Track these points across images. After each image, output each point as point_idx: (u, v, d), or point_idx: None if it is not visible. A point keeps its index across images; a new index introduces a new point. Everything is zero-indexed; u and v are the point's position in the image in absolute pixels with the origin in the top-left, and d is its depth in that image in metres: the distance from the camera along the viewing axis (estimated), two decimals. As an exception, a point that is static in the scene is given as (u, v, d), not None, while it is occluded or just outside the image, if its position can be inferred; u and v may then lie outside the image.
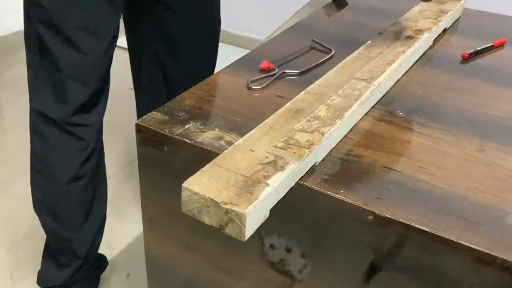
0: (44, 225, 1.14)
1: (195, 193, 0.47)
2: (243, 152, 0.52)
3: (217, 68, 0.82)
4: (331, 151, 0.58)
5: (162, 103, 0.67)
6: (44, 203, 1.11)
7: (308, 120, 0.58)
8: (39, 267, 1.33)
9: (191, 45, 1.08)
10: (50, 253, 1.17)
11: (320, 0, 1.18)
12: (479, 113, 0.69)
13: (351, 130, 0.63)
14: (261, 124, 0.57)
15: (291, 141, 0.54)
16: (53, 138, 1.01)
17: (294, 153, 0.52)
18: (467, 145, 0.61)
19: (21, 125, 1.83)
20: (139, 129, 0.62)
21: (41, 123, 1.01)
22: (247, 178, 0.48)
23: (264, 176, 0.49)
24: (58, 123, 0.98)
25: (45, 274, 1.17)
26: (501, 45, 0.90)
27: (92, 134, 1.02)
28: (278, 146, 0.53)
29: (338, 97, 0.62)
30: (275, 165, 0.50)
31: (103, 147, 1.10)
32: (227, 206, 0.45)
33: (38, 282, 1.18)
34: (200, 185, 0.47)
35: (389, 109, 0.68)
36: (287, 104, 0.61)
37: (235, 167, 0.50)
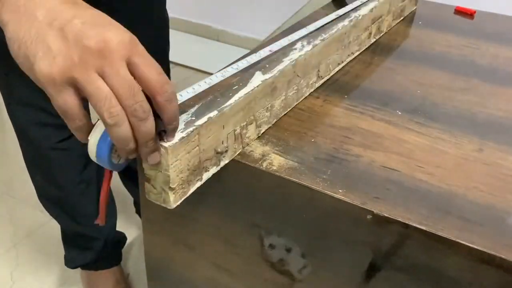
0: (55, 219, 1.16)
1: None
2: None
3: (217, 68, 0.82)
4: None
5: None
6: (51, 201, 1.12)
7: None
8: (39, 267, 1.34)
9: None
10: (69, 239, 1.19)
11: (320, 0, 1.18)
12: (478, 113, 0.69)
13: (349, 129, 0.63)
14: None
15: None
16: (44, 155, 1.01)
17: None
18: (466, 145, 0.61)
19: (21, 125, 1.83)
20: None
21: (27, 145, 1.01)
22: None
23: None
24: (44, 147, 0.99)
25: (69, 257, 1.22)
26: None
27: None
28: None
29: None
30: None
31: None
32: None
33: (66, 264, 1.23)
34: None
35: (388, 108, 0.68)
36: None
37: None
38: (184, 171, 0.49)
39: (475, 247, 0.46)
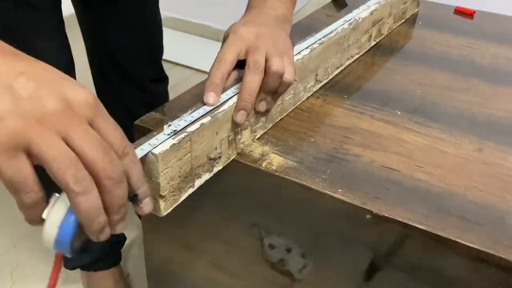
0: None
1: None
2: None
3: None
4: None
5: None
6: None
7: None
8: (39, 267, 1.33)
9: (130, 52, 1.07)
10: None
11: (320, 0, 1.18)
12: (478, 113, 0.69)
13: (348, 129, 0.63)
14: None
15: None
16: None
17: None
18: (466, 145, 0.61)
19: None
20: (137, 129, 0.62)
21: None
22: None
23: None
24: None
25: (68, 258, 1.21)
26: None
27: None
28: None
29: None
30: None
31: None
32: None
33: (64, 265, 1.23)
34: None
35: (387, 108, 0.68)
36: None
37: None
38: (175, 179, 0.48)
39: (475, 246, 0.46)
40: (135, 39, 1.05)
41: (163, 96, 1.19)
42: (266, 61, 0.56)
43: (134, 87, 1.11)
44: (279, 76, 0.56)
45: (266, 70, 0.55)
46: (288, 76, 0.57)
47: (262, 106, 0.57)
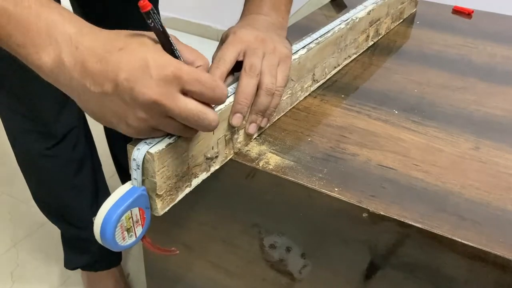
0: (53, 223, 1.17)
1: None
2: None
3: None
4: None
5: None
6: (46, 206, 1.13)
7: None
8: (39, 267, 1.34)
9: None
10: (68, 242, 1.20)
11: (319, 1, 1.18)
12: (474, 111, 0.69)
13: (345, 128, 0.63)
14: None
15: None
16: (34, 162, 1.02)
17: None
18: (462, 143, 0.62)
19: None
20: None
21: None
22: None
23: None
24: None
25: (68, 258, 1.23)
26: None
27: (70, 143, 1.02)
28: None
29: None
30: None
31: (95, 150, 1.11)
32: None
33: (65, 265, 1.24)
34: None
35: (384, 107, 0.68)
36: None
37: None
38: (172, 178, 0.48)
39: (471, 244, 0.47)
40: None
41: None
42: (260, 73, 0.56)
43: None
44: (271, 94, 0.57)
45: (258, 85, 0.56)
46: (278, 84, 0.58)
47: (252, 129, 0.58)
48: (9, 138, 1.02)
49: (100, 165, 1.15)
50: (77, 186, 1.07)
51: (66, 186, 1.06)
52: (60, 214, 1.12)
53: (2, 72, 0.87)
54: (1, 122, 1.00)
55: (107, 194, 1.18)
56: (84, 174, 1.07)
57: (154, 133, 0.45)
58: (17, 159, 1.05)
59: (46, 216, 1.15)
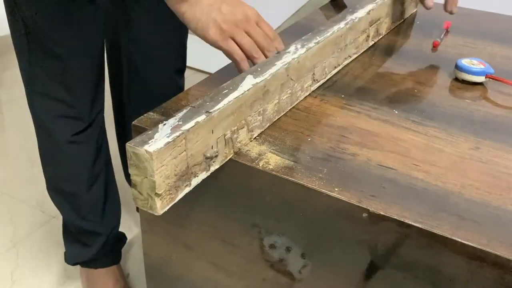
0: (61, 212, 1.18)
1: None
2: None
3: (215, 68, 0.83)
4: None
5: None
6: (60, 194, 1.14)
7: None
8: (39, 267, 1.34)
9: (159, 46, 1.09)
10: (71, 235, 1.21)
11: (318, 1, 1.18)
12: (474, 111, 0.69)
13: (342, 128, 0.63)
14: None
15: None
16: (60, 148, 1.04)
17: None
18: (462, 143, 0.62)
19: (21, 125, 1.84)
20: (136, 129, 0.62)
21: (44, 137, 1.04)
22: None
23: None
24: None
25: (69, 252, 1.24)
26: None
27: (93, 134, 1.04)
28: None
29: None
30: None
31: (107, 144, 1.14)
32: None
33: (66, 260, 1.25)
34: None
35: (384, 107, 0.69)
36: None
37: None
38: (171, 177, 0.48)
39: (471, 244, 0.47)
40: (165, 34, 1.08)
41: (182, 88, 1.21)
42: None
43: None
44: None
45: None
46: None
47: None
48: (37, 123, 1.04)
49: (111, 159, 1.17)
50: (93, 176, 1.09)
51: (84, 175, 1.09)
52: (72, 204, 1.13)
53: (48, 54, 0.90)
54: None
55: (114, 189, 1.21)
56: (99, 165, 1.10)
57: (228, 43, 0.64)
58: (41, 144, 1.08)
59: (56, 204, 1.16)
